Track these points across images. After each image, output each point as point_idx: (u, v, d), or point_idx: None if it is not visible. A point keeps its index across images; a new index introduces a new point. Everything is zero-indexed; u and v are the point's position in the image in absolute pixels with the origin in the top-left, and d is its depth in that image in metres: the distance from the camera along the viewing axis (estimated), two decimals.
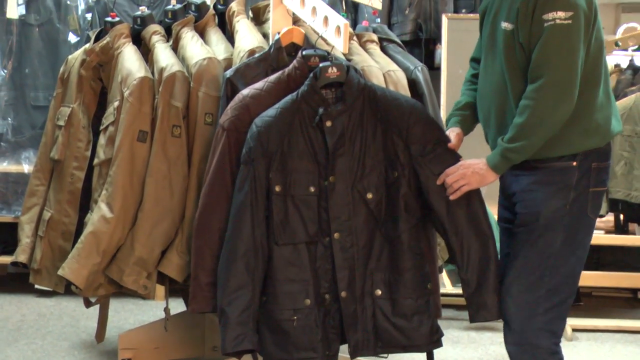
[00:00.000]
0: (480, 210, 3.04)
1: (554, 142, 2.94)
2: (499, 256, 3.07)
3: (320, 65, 3.03)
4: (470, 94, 3.17)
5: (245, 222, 2.97)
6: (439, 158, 3.02)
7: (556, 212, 2.96)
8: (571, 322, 4.60)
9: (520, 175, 3.03)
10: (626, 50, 5.22)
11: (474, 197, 3.04)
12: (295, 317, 2.98)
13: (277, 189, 2.98)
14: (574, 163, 2.95)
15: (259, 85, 3.10)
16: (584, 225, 3.02)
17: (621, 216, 5.13)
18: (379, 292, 3.03)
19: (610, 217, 5.16)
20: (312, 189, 3.00)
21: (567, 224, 2.97)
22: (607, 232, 5.17)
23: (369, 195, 3.03)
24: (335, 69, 3.02)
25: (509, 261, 3.02)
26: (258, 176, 2.97)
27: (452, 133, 3.10)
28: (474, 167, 2.98)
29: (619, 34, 5.39)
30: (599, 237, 4.92)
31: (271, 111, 3.01)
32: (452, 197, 2.99)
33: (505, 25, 2.97)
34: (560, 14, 2.84)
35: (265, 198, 2.98)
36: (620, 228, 5.15)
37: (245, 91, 3.09)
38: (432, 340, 3.06)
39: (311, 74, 3.02)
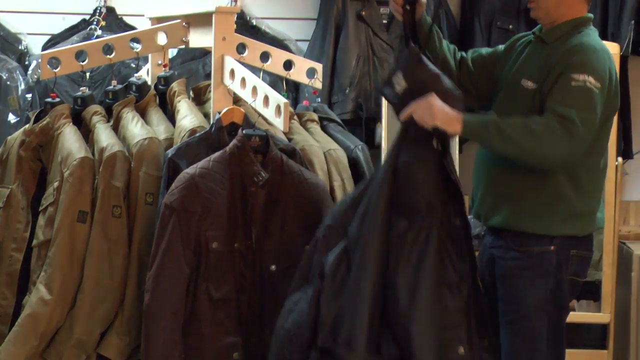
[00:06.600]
0: None
1: (535, 218, 2.95)
2: None
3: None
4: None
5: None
6: None
7: (539, 300, 2.95)
8: None
9: (501, 258, 3.03)
10: None
11: None
12: None
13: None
14: (552, 247, 2.96)
15: (204, 164, 3.11)
16: (564, 312, 3.04)
17: None
18: None
19: None
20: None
21: (551, 312, 2.97)
22: None
23: None
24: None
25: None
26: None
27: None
28: (447, 107, 2.92)
29: None
30: None
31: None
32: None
33: (527, 83, 2.98)
34: (591, 78, 2.86)
35: None
36: None
37: (191, 170, 3.10)
38: None
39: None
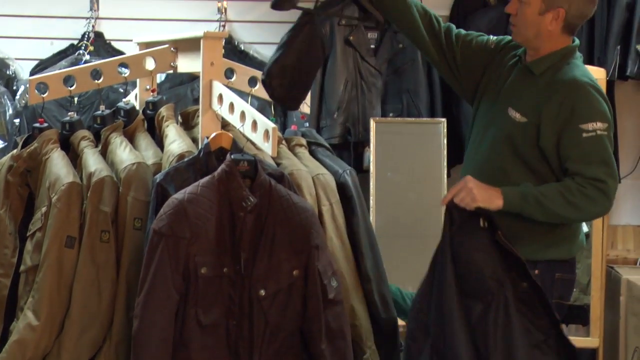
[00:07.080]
0: None
1: (519, 244, 2.94)
2: None
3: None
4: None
5: None
6: None
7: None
8: None
9: None
10: None
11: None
12: None
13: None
14: (537, 272, 2.96)
15: (192, 189, 3.10)
16: None
17: None
18: None
19: None
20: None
21: None
22: None
23: None
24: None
25: None
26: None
27: None
28: (484, 185, 2.94)
29: None
30: None
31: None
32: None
33: (515, 115, 2.97)
34: (599, 124, 2.88)
35: None
36: None
37: (179, 195, 3.09)
38: None
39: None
